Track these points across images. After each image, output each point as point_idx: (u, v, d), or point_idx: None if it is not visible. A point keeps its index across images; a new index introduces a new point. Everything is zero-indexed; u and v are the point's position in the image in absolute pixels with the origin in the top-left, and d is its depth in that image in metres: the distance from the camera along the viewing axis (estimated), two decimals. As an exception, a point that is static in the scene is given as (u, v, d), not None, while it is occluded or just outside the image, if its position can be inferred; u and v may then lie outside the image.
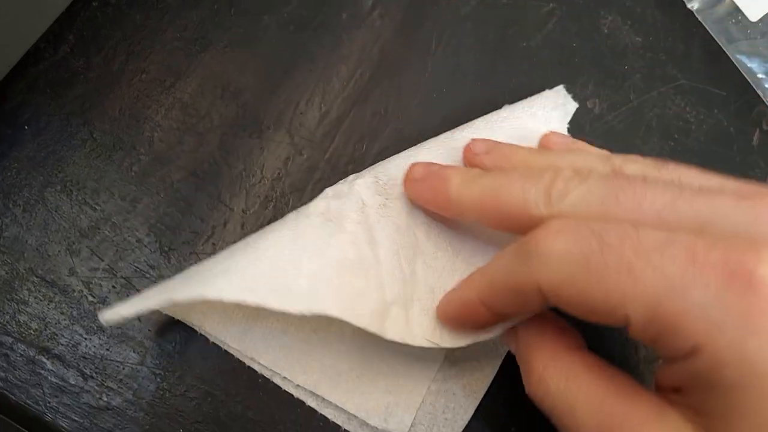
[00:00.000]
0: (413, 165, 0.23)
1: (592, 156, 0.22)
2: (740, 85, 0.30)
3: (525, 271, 0.19)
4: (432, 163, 0.23)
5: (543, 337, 0.21)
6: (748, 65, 0.30)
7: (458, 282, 0.22)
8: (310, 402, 0.24)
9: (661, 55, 0.30)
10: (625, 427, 0.17)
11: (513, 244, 0.20)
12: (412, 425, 0.24)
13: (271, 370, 0.24)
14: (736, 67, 0.30)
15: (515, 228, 0.20)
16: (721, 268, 0.15)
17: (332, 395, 0.24)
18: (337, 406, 0.24)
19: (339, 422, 0.24)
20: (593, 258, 0.17)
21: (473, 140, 0.24)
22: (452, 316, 0.22)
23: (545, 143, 0.25)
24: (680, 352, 0.16)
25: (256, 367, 0.24)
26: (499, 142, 0.24)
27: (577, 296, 0.18)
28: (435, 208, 0.23)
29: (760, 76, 0.29)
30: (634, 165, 0.21)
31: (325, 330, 0.24)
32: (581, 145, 0.25)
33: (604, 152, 0.23)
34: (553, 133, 0.26)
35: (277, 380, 0.24)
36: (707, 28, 0.30)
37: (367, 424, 0.24)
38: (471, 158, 0.23)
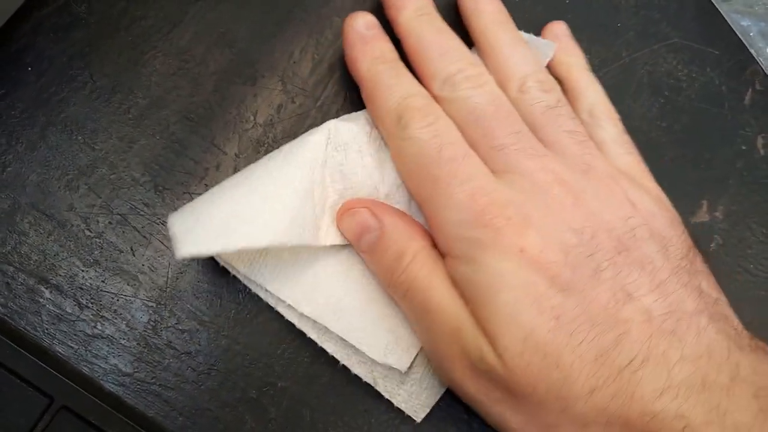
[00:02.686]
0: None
1: (522, 63, 0.26)
2: (734, 44, 0.30)
3: (388, 125, 0.24)
4: None
5: (413, 226, 0.24)
6: (742, 24, 0.30)
7: None
8: (311, 334, 0.24)
9: (655, 13, 0.30)
10: (460, 305, 0.22)
11: (403, 94, 0.24)
12: (409, 367, 0.24)
13: (276, 297, 0.24)
14: (730, 26, 0.30)
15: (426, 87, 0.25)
16: (477, 212, 0.22)
17: (335, 327, 0.24)
18: (337, 340, 0.24)
19: (338, 357, 0.24)
20: (426, 162, 0.23)
21: None
22: None
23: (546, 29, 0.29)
24: (438, 245, 0.23)
25: (261, 294, 0.25)
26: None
27: (405, 172, 0.24)
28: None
29: (753, 35, 0.30)
30: (540, 94, 0.25)
31: (333, 267, 0.25)
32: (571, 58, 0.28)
33: (531, 66, 0.26)
34: (557, 23, 0.29)
35: (281, 308, 0.25)
36: (702, -14, 0.30)
37: (365, 361, 0.24)
38: None
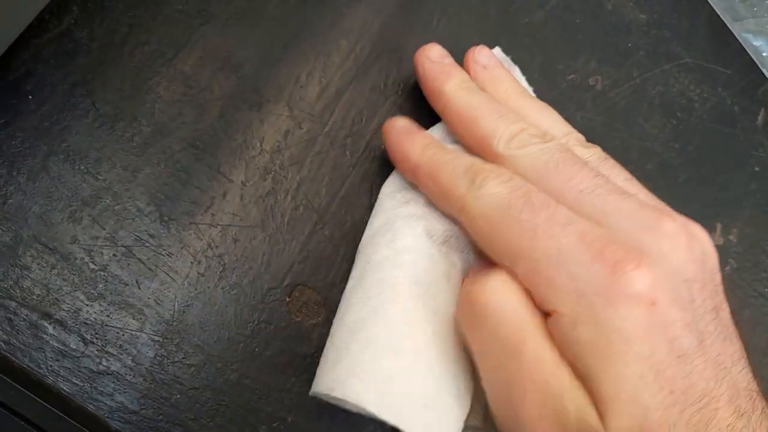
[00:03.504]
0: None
1: (559, 124, 0.25)
2: (746, 63, 0.30)
3: (462, 190, 0.23)
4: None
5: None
6: (754, 44, 0.29)
7: None
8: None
9: (666, 32, 0.30)
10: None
11: (468, 162, 0.23)
12: None
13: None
14: (742, 46, 0.30)
15: (478, 150, 0.25)
16: (597, 253, 0.19)
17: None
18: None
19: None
20: (514, 210, 0.21)
21: (478, 48, 0.27)
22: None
23: None
24: (541, 304, 0.20)
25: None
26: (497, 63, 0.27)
27: (486, 234, 0.22)
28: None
29: (766, 54, 0.29)
30: (585, 150, 0.24)
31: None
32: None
33: (567, 127, 0.26)
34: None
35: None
36: (713, 5, 0.30)
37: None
38: (468, 62, 0.27)
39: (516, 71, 0.28)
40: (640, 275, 0.19)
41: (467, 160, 0.24)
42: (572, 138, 0.25)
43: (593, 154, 0.24)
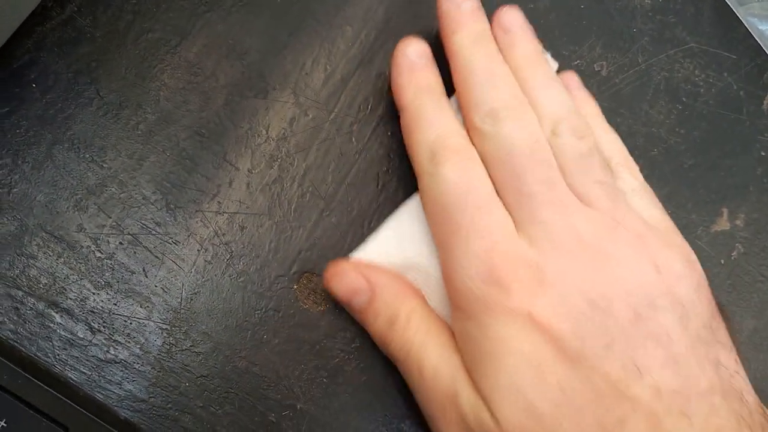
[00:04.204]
0: None
1: (560, 104, 0.25)
2: (751, 48, 0.30)
3: (422, 163, 0.24)
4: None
5: (404, 287, 0.24)
6: (760, 28, 0.29)
7: None
8: None
9: (671, 17, 0.30)
10: (456, 367, 0.22)
11: (437, 133, 0.24)
12: None
13: None
14: (748, 30, 0.30)
15: (463, 113, 0.25)
16: (490, 269, 0.21)
17: None
18: None
19: None
20: (451, 207, 0.22)
21: (505, 9, 0.26)
22: None
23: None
24: (447, 290, 0.23)
25: None
26: (521, 26, 0.26)
27: (429, 214, 0.24)
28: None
29: (771, 38, 0.29)
30: (573, 140, 0.24)
31: None
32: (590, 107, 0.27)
33: (568, 108, 0.25)
34: (568, 73, 0.28)
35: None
36: (718, -11, 0.29)
37: None
38: (492, 23, 0.26)
39: (546, 55, 0.27)
40: (521, 297, 0.21)
41: (439, 128, 0.24)
42: (565, 124, 0.24)
43: (575, 147, 0.24)
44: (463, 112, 0.25)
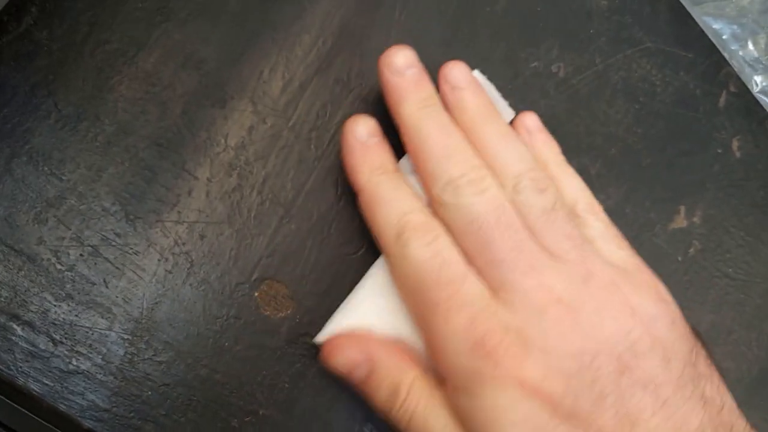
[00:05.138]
0: None
1: (518, 159, 0.25)
2: (707, 47, 0.30)
3: (389, 243, 0.24)
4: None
5: (404, 356, 0.24)
6: (714, 27, 0.30)
7: None
8: None
9: (627, 18, 0.30)
10: None
11: (401, 211, 0.24)
12: None
13: None
14: (702, 30, 0.30)
15: (424, 185, 0.25)
16: (476, 340, 0.21)
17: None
18: None
19: None
20: (425, 285, 0.22)
21: (450, 65, 0.26)
22: None
23: (517, 122, 0.27)
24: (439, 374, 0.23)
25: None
26: (469, 83, 0.26)
27: (403, 294, 0.24)
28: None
29: (725, 37, 0.29)
30: (535, 196, 0.24)
31: None
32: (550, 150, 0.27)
33: (527, 162, 0.25)
34: (528, 114, 0.27)
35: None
36: (673, -11, 0.30)
37: None
38: (438, 80, 0.26)
39: (492, 89, 0.27)
40: (509, 363, 0.21)
41: (403, 205, 0.24)
42: (526, 179, 0.24)
43: (537, 204, 0.24)
44: (422, 183, 0.25)
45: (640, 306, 0.22)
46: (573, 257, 0.23)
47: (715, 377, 0.22)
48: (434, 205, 0.24)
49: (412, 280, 0.23)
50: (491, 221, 0.23)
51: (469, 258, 0.23)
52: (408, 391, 0.23)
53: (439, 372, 0.23)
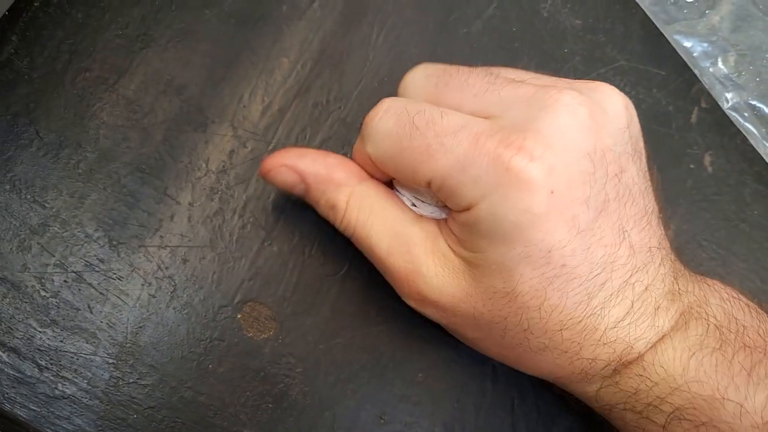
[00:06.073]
0: None
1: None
2: (678, 64, 0.31)
3: (364, 148, 0.23)
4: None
5: (341, 174, 0.24)
6: (685, 45, 0.30)
7: None
8: None
9: (601, 37, 0.30)
10: (409, 239, 0.23)
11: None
12: None
13: None
14: (674, 48, 0.31)
15: None
16: (492, 153, 0.20)
17: None
18: None
19: None
20: (404, 140, 0.21)
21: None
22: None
23: None
24: (459, 208, 0.21)
25: None
26: None
27: (394, 169, 0.22)
28: None
29: (696, 55, 0.30)
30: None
31: None
32: None
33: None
34: None
35: None
36: (645, 9, 0.30)
37: None
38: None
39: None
40: (535, 167, 0.19)
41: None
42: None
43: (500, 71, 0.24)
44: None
45: (629, 103, 0.22)
46: (540, 81, 0.23)
47: (651, 188, 0.23)
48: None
49: (392, 152, 0.22)
50: (453, 71, 0.23)
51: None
52: (345, 207, 0.23)
53: (460, 205, 0.21)
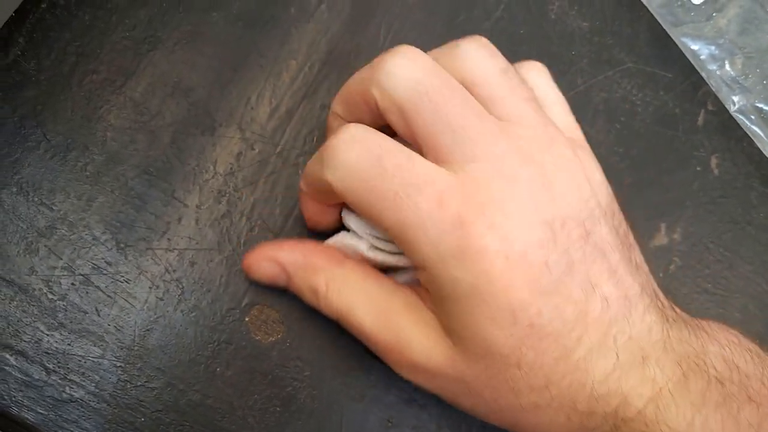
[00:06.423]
0: None
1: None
2: (686, 67, 0.31)
3: (321, 172, 0.22)
4: None
5: (318, 259, 0.24)
6: (692, 47, 0.30)
7: None
8: None
9: (608, 39, 0.30)
10: (391, 312, 0.23)
11: (322, 147, 0.22)
12: None
13: None
14: (681, 50, 0.31)
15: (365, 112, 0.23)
16: (453, 218, 0.20)
17: None
18: None
19: None
20: (371, 180, 0.21)
21: None
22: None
23: None
24: (415, 263, 0.22)
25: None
26: None
27: (354, 203, 0.22)
28: None
29: (703, 58, 0.30)
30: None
31: None
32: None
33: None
34: None
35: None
36: (652, 11, 0.30)
37: None
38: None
39: None
40: (491, 234, 0.20)
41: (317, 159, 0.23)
42: (473, 48, 0.23)
43: (496, 63, 0.23)
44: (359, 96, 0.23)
45: (593, 174, 0.22)
46: (533, 121, 0.22)
47: (637, 246, 0.23)
48: (368, 95, 0.22)
49: (356, 188, 0.21)
50: (436, 83, 0.21)
51: (418, 145, 0.22)
52: (326, 290, 0.23)
53: (415, 261, 0.22)
